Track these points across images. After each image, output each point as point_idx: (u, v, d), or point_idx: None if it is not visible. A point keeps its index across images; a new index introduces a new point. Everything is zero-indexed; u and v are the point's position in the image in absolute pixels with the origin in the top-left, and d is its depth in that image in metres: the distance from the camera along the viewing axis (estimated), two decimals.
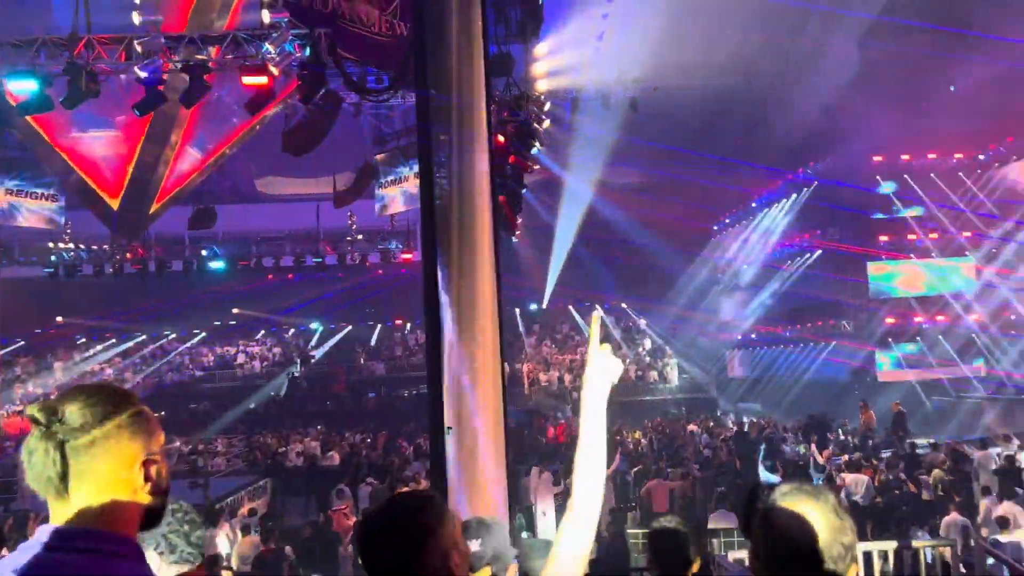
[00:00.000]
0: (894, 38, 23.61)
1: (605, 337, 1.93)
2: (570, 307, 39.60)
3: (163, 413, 30.22)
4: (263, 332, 39.09)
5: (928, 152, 26.06)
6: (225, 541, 10.84)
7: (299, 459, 21.43)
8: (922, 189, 26.24)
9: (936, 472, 13.34)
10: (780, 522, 1.50)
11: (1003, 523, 9.66)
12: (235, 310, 38.26)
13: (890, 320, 26.28)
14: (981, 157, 25.01)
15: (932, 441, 16.59)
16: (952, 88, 23.55)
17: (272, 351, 36.91)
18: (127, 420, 1.31)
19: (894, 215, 26.46)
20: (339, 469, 18.67)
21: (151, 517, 1.34)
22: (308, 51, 11.87)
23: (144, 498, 1.31)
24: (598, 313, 2.12)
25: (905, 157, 26.17)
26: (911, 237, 26.33)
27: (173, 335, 38.61)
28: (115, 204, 17.80)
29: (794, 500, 1.54)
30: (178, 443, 22.30)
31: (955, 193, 25.67)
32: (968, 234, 25.72)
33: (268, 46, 11.99)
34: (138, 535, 1.31)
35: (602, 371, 1.89)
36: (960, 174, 25.87)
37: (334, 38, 11.68)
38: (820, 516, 1.49)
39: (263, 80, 11.95)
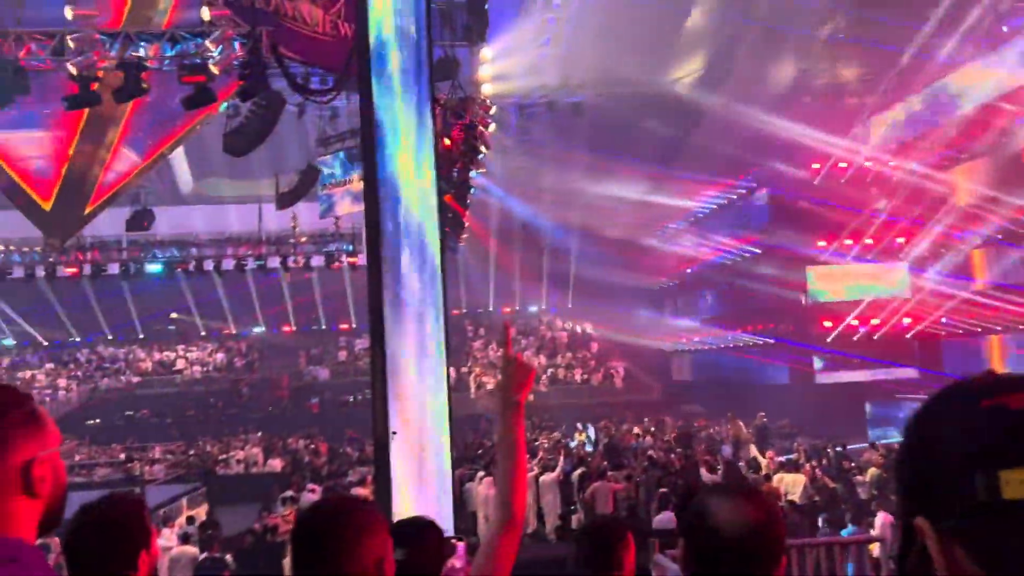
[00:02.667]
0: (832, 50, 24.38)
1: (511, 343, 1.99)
2: (516, 311, 39.72)
3: (98, 420, 29.32)
4: (203, 336, 38.18)
5: (865, 159, 26.93)
6: (163, 551, 10.55)
7: (240, 466, 21.05)
8: (859, 194, 27.07)
9: (872, 471, 13.74)
10: (711, 518, 1.52)
11: None
12: (173, 314, 37.28)
13: (827, 323, 27.01)
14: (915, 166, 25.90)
15: (870, 442, 17.07)
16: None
17: (213, 356, 36.10)
18: (21, 419, 1.26)
19: (833, 220, 27.22)
20: (280, 476, 18.38)
21: (50, 518, 1.29)
22: (249, 50, 11.65)
23: (39, 499, 1.26)
24: (507, 321, 2.18)
25: (843, 164, 26.97)
26: (848, 242, 27.11)
27: (110, 339, 37.44)
28: (47, 205, 17.18)
29: (725, 496, 1.56)
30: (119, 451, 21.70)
31: (891, 199, 26.54)
32: (903, 240, 26.61)
33: (208, 44, 11.73)
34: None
35: (513, 376, 1.94)
36: (894, 180, 26.78)
37: (276, 37, 11.50)
38: (748, 510, 1.51)
39: (202, 79, 11.69)
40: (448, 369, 10.46)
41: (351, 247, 23.13)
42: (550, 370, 32.30)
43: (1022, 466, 0.69)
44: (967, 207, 24.02)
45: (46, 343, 36.49)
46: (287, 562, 10.36)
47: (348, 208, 18.17)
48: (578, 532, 3.18)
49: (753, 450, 15.43)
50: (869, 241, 27.00)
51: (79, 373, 33.89)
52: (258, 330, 38.18)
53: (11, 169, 16.79)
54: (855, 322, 26.91)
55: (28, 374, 33.30)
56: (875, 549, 7.53)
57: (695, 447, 17.69)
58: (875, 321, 26.79)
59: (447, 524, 9.51)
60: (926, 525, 0.75)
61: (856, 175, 26.99)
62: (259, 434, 25.49)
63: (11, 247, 23.06)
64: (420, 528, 2.05)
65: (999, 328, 23.44)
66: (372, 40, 9.79)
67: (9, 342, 36.63)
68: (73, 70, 11.62)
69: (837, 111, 25.16)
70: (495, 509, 1.93)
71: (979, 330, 24.26)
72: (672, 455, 16.55)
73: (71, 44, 11.71)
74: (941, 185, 24.71)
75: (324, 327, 38.37)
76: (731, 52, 23.87)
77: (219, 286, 33.58)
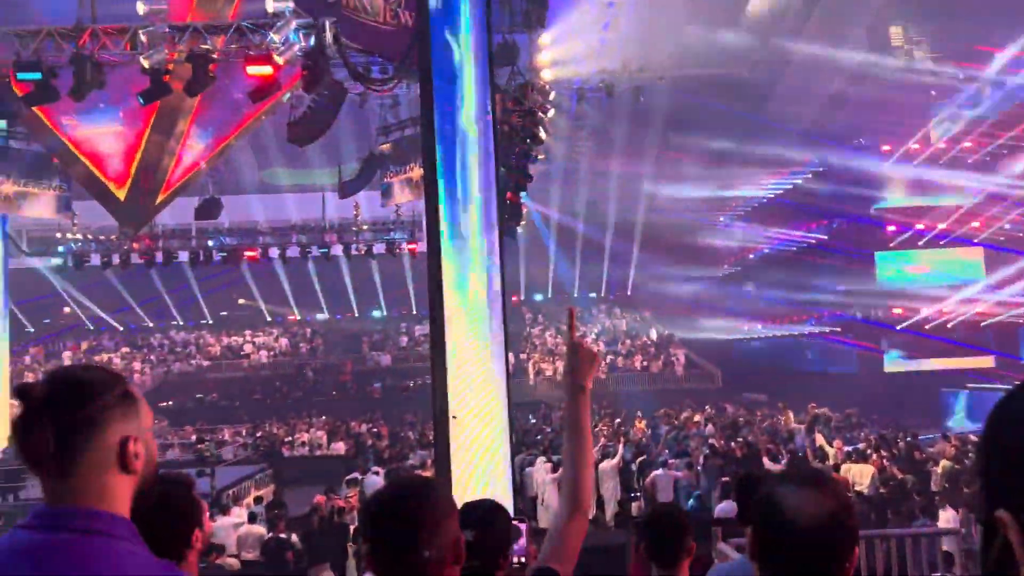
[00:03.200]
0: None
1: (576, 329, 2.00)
2: (575, 297, 39.62)
3: (170, 403, 30.39)
4: (269, 322, 39.19)
5: (939, 141, 25.92)
6: (232, 529, 10.89)
7: (304, 448, 21.55)
8: (933, 176, 26.11)
9: (944, 463, 13.29)
10: (782, 507, 1.48)
11: None
12: (241, 300, 38.32)
13: (897, 310, 26.20)
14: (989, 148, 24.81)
15: (943, 433, 16.54)
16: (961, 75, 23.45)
17: (278, 341, 37.02)
18: (117, 399, 1.33)
19: (903, 204, 26.34)
20: (344, 458, 18.75)
21: (141, 496, 1.36)
22: (312, 40, 11.84)
23: (134, 476, 1.33)
24: (572, 307, 2.19)
25: (915, 146, 26.03)
26: (919, 226, 26.20)
27: (181, 324, 38.77)
28: (122, 194, 17.80)
29: (795, 485, 1.52)
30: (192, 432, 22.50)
31: (966, 181, 25.50)
32: (977, 224, 25.57)
33: (273, 35, 11.96)
34: None
35: (578, 361, 1.94)
36: (970, 163, 25.71)
37: (338, 27, 11.65)
38: (822, 500, 1.48)
39: (267, 70, 11.94)
40: (507, 355, 10.53)
41: (411, 234, 23.42)
42: (609, 357, 32.15)
43: None
44: None
45: (120, 328, 37.94)
46: (351, 545, 10.59)
47: (408, 196, 18.37)
48: (642, 520, 3.17)
49: (820, 439, 15.10)
50: (943, 225, 26.04)
51: (152, 357, 35.14)
52: (321, 316, 39.01)
53: (88, 160, 17.44)
54: (928, 309, 26.05)
55: (105, 357, 34.71)
56: (946, 542, 7.30)
57: (757, 436, 17.41)
58: (947, 308, 25.88)
59: (506, 508, 9.60)
60: (1008, 517, 0.73)
61: (930, 157, 26.03)
62: (323, 418, 26.05)
63: (88, 236, 23.98)
64: (488, 510, 2.07)
65: None
66: (432, 28, 9.84)
67: (87, 327, 38.25)
68: (146, 64, 11.99)
69: (910, 90, 24.27)
70: (563, 492, 1.95)
71: None
72: (733, 443, 16.34)
73: (143, 38, 12.08)
74: (1018, 167, 23.66)
75: (385, 313, 38.95)
76: (797, 31, 23.22)
77: (281, 273, 34.38)
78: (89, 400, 1.29)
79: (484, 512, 2.04)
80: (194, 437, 22.64)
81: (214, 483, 14.58)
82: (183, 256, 24.04)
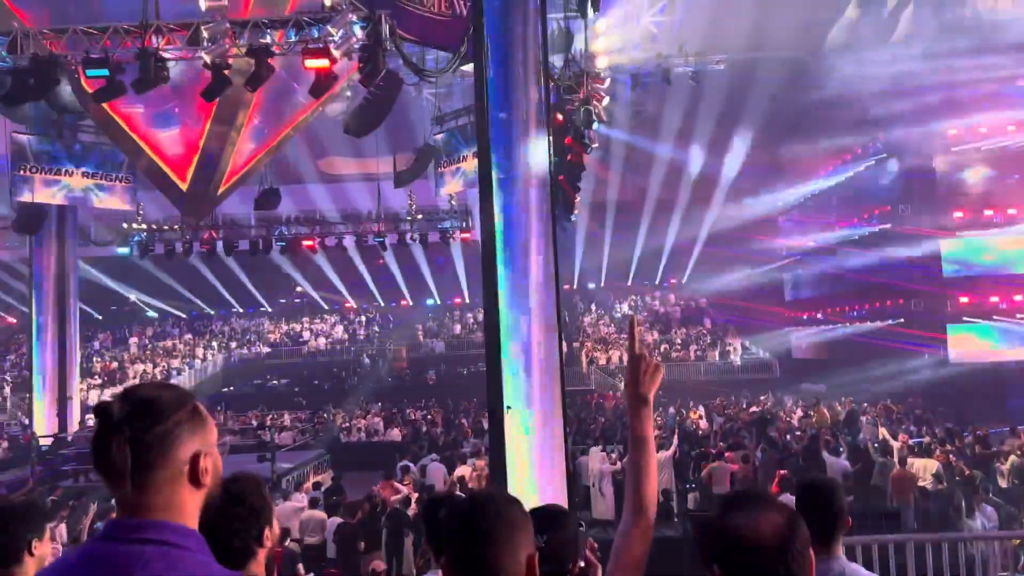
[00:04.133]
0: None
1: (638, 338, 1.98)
2: (628, 285, 39.34)
3: (231, 388, 31.21)
4: (326, 310, 39.89)
5: (1007, 124, 24.89)
6: (294, 515, 11.13)
7: (361, 434, 21.90)
8: (999, 160, 25.11)
9: (1013, 458, 12.85)
10: (729, 532, 1.50)
11: None
12: (298, 288, 39.07)
13: (964, 300, 25.31)
14: None
15: (1011, 428, 15.94)
16: None
17: (335, 328, 37.66)
18: (187, 416, 1.39)
19: (969, 189, 25.38)
20: (400, 444, 19.01)
21: (208, 505, 1.42)
22: (369, 33, 11.94)
23: (202, 489, 1.39)
24: (634, 316, 2.16)
25: (983, 130, 25.04)
26: (988, 212, 25.22)
27: (241, 312, 39.72)
28: (184, 186, 18.27)
29: (742, 509, 1.53)
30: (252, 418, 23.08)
31: None
32: None
33: (330, 29, 12.11)
34: None
35: (641, 372, 1.93)
36: None
37: (394, 19, 11.73)
38: (768, 522, 1.49)
39: (325, 63, 12.08)
40: (560, 343, 10.52)
41: (464, 223, 23.55)
42: (663, 346, 31.86)
43: None
44: None
45: (184, 316, 39.09)
46: (408, 541, 10.70)
47: (461, 185, 18.42)
48: (695, 514, 3.15)
49: (883, 432, 14.75)
50: (1012, 211, 25.02)
51: (214, 344, 36.10)
52: (375, 304, 39.54)
53: (153, 152, 17.94)
54: (996, 298, 25.11)
55: (169, 343, 35.81)
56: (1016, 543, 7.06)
57: (817, 432, 17.04)
58: (1019, 297, 24.90)
59: (561, 497, 9.60)
60: None
61: (1001, 140, 25.00)
62: (379, 404, 26.43)
63: (153, 226, 24.72)
64: (556, 515, 2.06)
65: None
66: (486, 18, 9.84)
67: (152, 314, 39.50)
68: (207, 59, 12.26)
69: (980, 70, 23.32)
70: (627, 502, 1.94)
71: None
72: (788, 436, 16.07)
73: (205, 34, 12.34)
74: None
75: (438, 302, 39.28)
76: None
77: (325, 264, 34.92)
78: (164, 418, 1.36)
79: (552, 517, 2.02)
80: (255, 422, 23.22)
81: (275, 468, 14.94)
82: (243, 245, 24.59)
